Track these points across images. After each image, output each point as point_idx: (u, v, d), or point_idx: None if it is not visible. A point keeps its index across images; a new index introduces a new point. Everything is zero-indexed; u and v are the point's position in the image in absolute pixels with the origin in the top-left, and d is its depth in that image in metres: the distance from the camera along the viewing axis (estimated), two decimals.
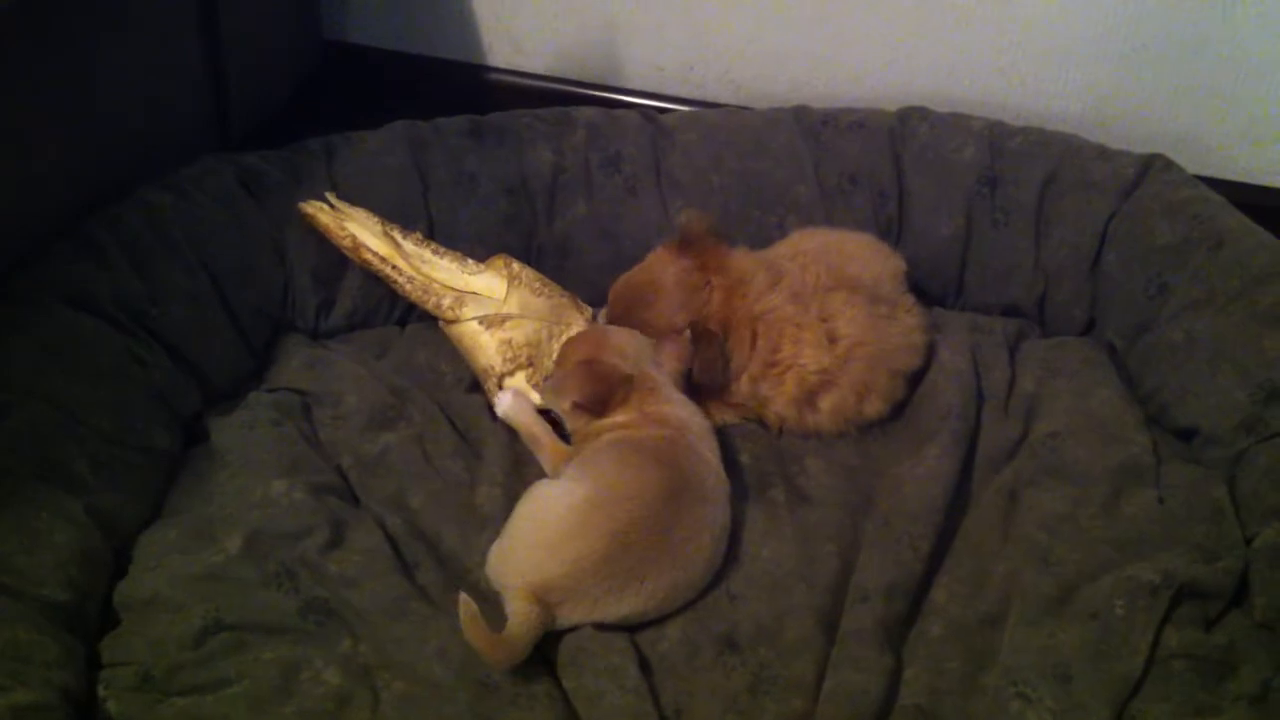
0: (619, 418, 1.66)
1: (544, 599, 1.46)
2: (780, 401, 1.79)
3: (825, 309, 1.79)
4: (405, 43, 2.42)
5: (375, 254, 1.87)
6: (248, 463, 1.66)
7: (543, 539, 1.51)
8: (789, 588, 1.58)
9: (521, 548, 1.52)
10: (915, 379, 1.85)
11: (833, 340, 1.78)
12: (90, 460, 1.56)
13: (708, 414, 1.77)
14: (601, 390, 1.66)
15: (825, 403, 1.79)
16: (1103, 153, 1.99)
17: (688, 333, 1.74)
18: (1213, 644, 1.48)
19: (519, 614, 1.45)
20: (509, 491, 1.67)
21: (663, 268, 1.82)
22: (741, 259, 1.84)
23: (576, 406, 1.67)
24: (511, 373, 1.80)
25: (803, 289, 1.80)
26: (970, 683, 1.49)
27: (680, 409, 1.68)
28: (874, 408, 1.81)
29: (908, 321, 1.86)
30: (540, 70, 2.38)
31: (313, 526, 1.58)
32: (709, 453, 1.65)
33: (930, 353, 1.87)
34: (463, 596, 1.43)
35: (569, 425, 1.72)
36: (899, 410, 1.84)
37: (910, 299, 1.89)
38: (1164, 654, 1.47)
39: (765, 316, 1.78)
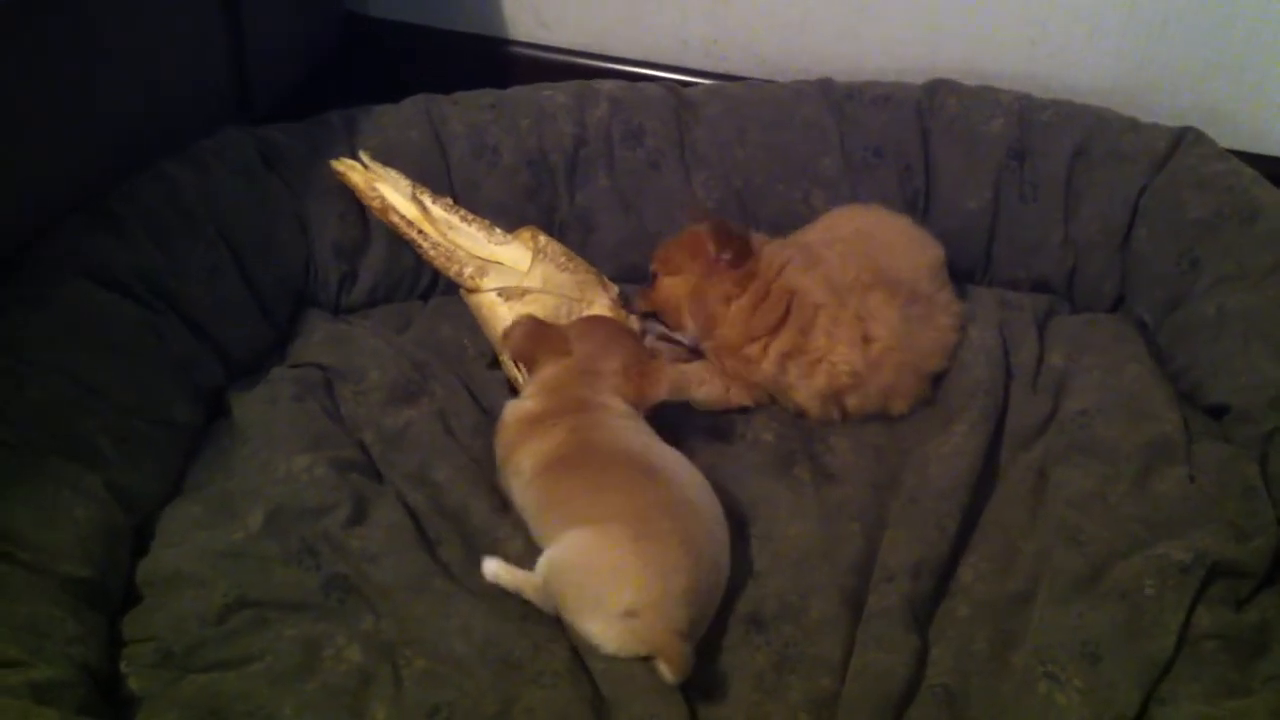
0: (538, 400, 1.64)
1: (690, 642, 1.43)
2: (806, 393, 1.77)
3: (863, 307, 1.77)
4: (427, 16, 2.41)
5: (402, 217, 1.87)
6: (270, 438, 1.65)
7: (654, 594, 1.43)
8: (814, 566, 1.57)
9: (644, 606, 1.42)
10: (941, 376, 1.85)
11: (867, 340, 1.76)
12: (110, 435, 1.55)
13: (726, 396, 1.78)
14: (530, 348, 1.68)
15: (851, 401, 1.78)
16: (1133, 126, 1.96)
17: (665, 364, 1.70)
18: (1244, 624, 1.47)
19: (683, 656, 1.41)
20: None
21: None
22: (770, 244, 1.82)
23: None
24: None
25: (841, 282, 1.78)
26: (998, 663, 1.47)
27: (600, 396, 1.63)
28: (897, 408, 1.80)
29: (942, 322, 1.84)
30: (562, 44, 2.36)
31: (335, 502, 1.57)
32: (634, 429, 1.61)
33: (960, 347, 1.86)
34: (673, 640, 1.40)
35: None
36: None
37: (948, 294, 1.88)
38: (1195, 634, 1.45)
39: (800, 294, 1.76)
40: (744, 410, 1.81)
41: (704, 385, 1.79)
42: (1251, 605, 1.50)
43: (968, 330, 1.87)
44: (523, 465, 1.58)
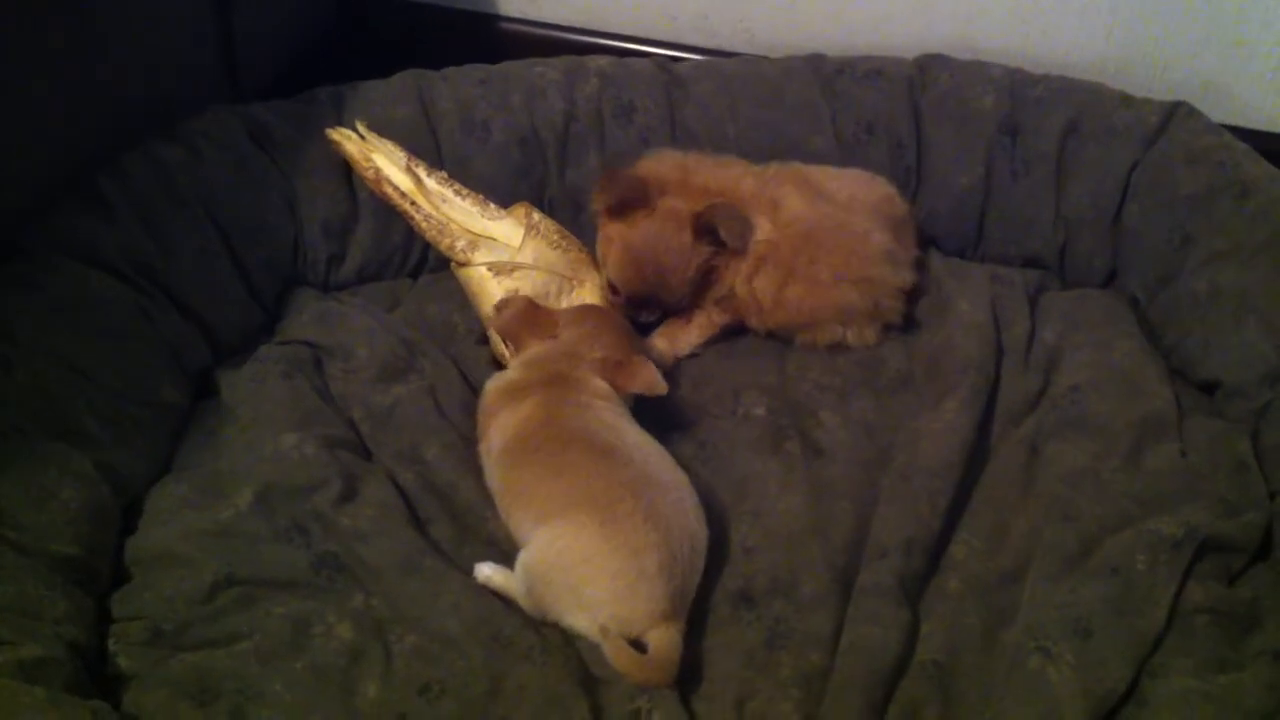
0: (517, 371, 1.66)
1: (677, 617, 1.43)
2: (738, 281, 1.82)
3: (776, 193, 1.83)
4: None
5: (396, 189, 1.86)
6: (258, 416, 1.65)
7: (629, 577, 1.42)
8: (804, 542, 1.57)
9: (621, 590, 1.42)
10: (866, 289, 1.83)
11: (775, 214, 1.82)
12: (99, 415, 1.55)
13: (712, 322, 1.84)
14: (518, 328, 1.69)
15: (759, 281, 1.81)
16: (1125, 100, 1.95)
17: (639, 360, 1.67)
18: (1236, 599, 1.47)
19: (669, 637, 1.41)
20: None
21: (629, 229, 1.81)
22: (664, 162, 1.86)
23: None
24: None
25: (762, 175, 1.85)
26: (989, 638, 1.47)
27: (577, 373, 1.62)
28: (795, 292, 1.81)
29: (856, 228, 1.84)
30: (552, 19, 2.35)
31: (324, 480, 1.57)
32: (602, 406, 1.60)
33: (896, 275, 1.86)
34: (611, 632, 1.40)
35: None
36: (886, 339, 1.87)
37: (878, 222, 1.86)
38: (1186, 609, 1.45)
39: (728, 191, 1.81)
40: (728, 333, 1.86)
41: (693, 322, 1.85)
42: (1243, 580, 1.51)
43: (958, 305, 1.86)
44: (493, 441, 1.58)
